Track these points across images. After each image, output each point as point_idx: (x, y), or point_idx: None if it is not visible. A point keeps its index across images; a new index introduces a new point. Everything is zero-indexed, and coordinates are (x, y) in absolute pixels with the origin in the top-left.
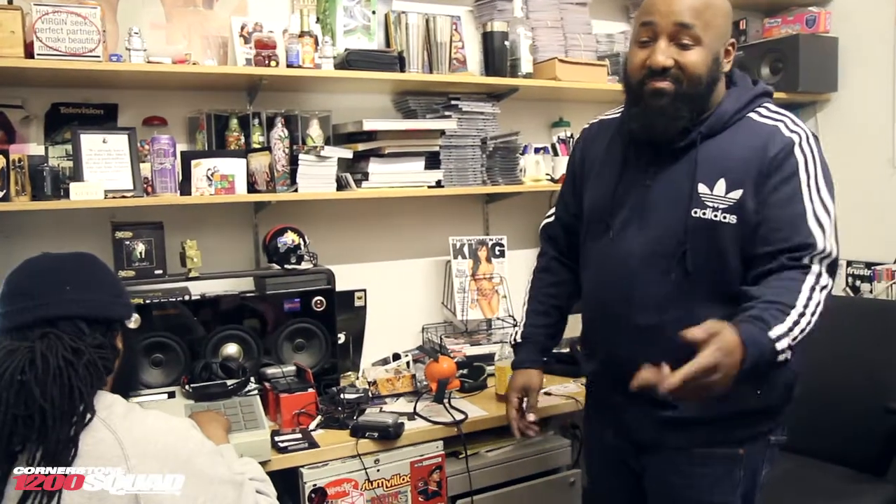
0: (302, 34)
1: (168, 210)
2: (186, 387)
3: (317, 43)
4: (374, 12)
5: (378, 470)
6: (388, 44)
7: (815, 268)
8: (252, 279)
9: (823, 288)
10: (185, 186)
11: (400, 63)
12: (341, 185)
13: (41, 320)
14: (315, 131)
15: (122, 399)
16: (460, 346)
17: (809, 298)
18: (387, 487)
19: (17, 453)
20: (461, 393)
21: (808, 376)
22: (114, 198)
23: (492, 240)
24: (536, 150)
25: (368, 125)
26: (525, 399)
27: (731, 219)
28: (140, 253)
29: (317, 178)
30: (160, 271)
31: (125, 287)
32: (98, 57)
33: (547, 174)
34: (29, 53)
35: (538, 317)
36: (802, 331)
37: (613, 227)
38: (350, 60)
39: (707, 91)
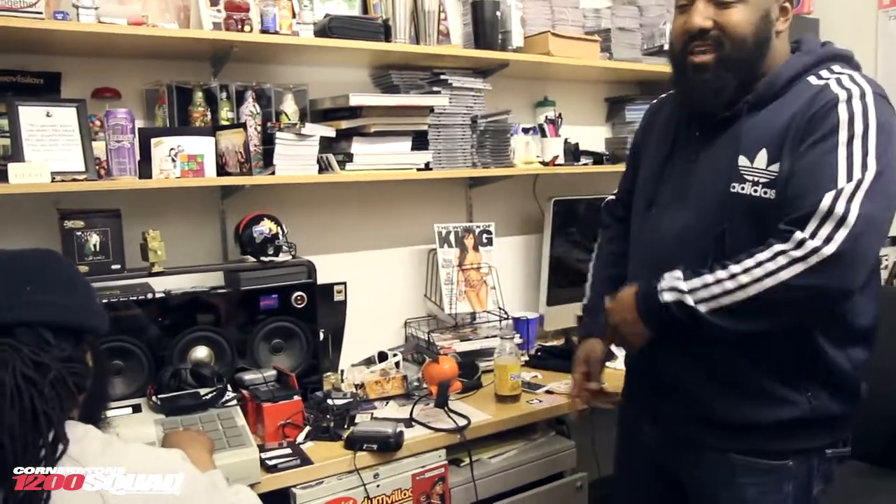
0: None
1: (125, 196)
2: (154, 398)
3: (294, 7)
4: None
5: (378, 486)
6: (365, 11)
7: (798, 235)
8: (222, 274)
9: (797, 260)
10: (144, 169)
11: (385, 32)
12: (322, 168)
13: None
14: (290, 107)
15: (96, 430)
16: (449, 343)
17: (759, 263)
18: None
19: None
20: (457, 394)
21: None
22: (63, 181)
23: (479, 227)
24: (525, 131)
25: (355, 100)
26: (588, 372)
27: (771, 194)
28: (94, 245)
29: (296, 160)
30: (118, 266)
31: (97, 294)
32: (40, 14)
33: (537, 156)
34: None
35: (601, 284)
36: (728, 292)
37: (657, 204)
38: (332, 27)
39: (756, 54)
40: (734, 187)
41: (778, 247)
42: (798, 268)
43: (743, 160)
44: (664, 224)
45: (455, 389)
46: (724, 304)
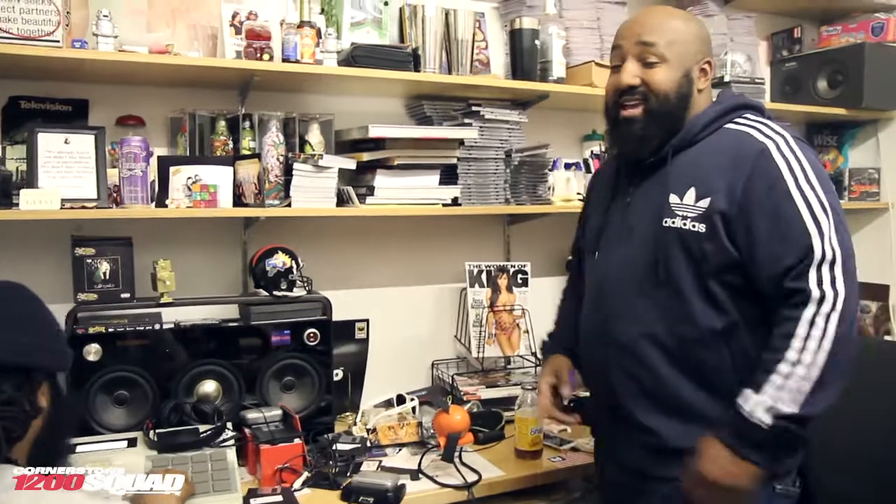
0: (301, 24)
1: (140, 224)
2: (151, 433)
3: (319, 36)
4: (386, 3)
5: None
6: (402, 40)
7: (815, 292)
8: (237, 306)
9: (830, 313)
10: (162, 197)
11: (414, 61)
12: (342, 200)
13: None
14: (315, 137)
15: (34, 471)
16: (475, 388)
17: (807, 337)
18: None
19: None
20: (475, 445)
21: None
22: (72, 208)
23: (513, 266)
24: (567, 166)
25: (375, 132)
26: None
27: (700, 227)
28: (104, 273)
29: (314, 192)
30: (127, 294)
31: (61, 331)
32: (57, 42)
33: (578, 193)
34: None
35: (566, 314)
36: (806, 378)
37: (601, 248)
38: (356, 56)
39: (678, 108)
40: (666, 222)
41: (807, 313)
42: (835, 318)
43: (673, 197)
44: (607, 262)
45: (466, 442)
46: (805, 390)
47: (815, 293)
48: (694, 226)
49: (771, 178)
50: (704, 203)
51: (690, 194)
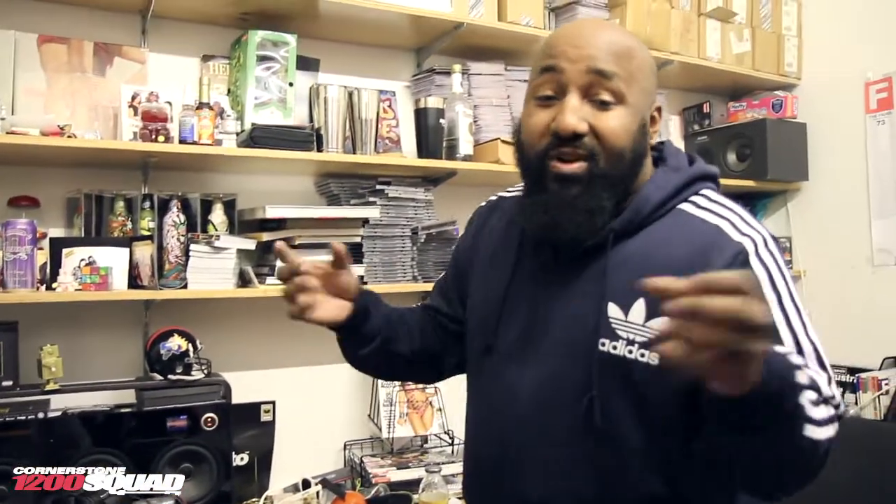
0: (200, 106)
1: (28, 308)
2: None
3: (220, 116)
4: (291, 84)
5: None
6: (311, 120)
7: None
8: (134, 391)
9: (835, 417)
10: (54, 279)
11: (317, 141)
12: (246, 281)
13: None
14: (218, 217)
15: None
16: (385, 470)
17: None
18: None
19: None
20: None
21: None
22: None
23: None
24: None
25: (272, 212)
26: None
27: (652, 358)
28: None
29: (211, 273)
30: (9, 382)
31: None
32: None
33: None
34: None
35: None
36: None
37: (497, 350)
38: (255, 137)
39: (630, 172)
40: (604, 344)
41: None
42: (833, 431)
43: (614, 310)
44: (510, 382)
45: None
46: (819, 420)
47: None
48: (642, 355)
49: None
50: (656, 323)
51: (639, 309)
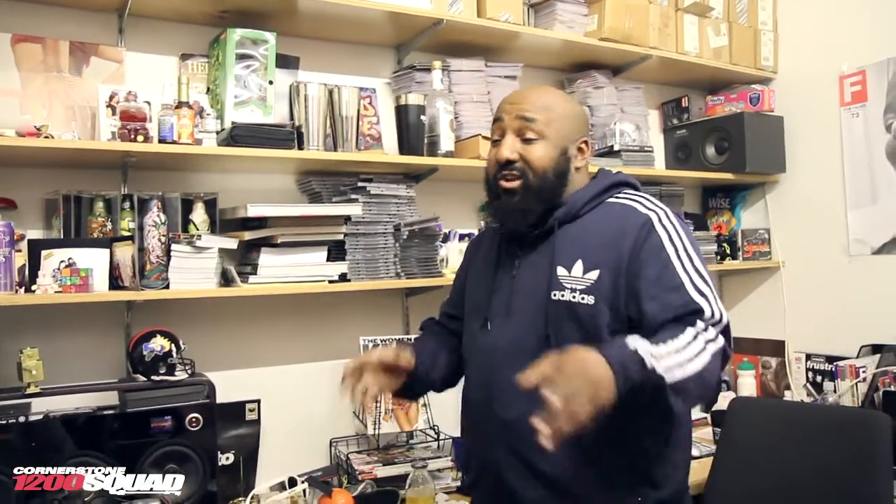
0: (179, 105)
1: (7, 311)
2: None
3: (199, 116)
4: (271, 82)
5: None
6: (292, 118)
7: (701, 324)
8: (117, 393)
9: (710, 341)
10: (33, 282)
11: (298, 139)
12: (228, 280)
13: None
14: (199, 217)
15: None
16: (371, 467)
17: (692, 342)
18: None
19: None
20: None
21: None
22: None
23: (410, 339)
24: (462, 237)
25: (253, 210)
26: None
27: (589, 299)
28: None
29: (193, 273)
30: None
31: None
32: None
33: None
34: None
35: (426, 344)
36: (680, 365)
37: (486, 323)
38: (235, 135)
39: (556, 184)
40: (554, 294)
41: (691, 329)
42: (714, 350)
43: (560, 270)
44: (494, 336)
45: None
46: (678, 377)
47: (700, 324)
48: (583, 298)
49: (655, 247)
50: (592, 275)
51: (578, 266)
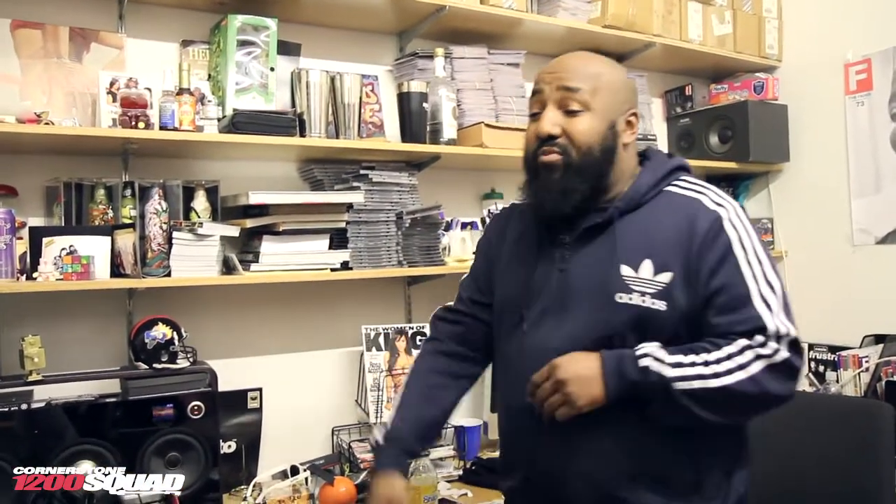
0: (180, 92)
1: (8, 298)
2: None
3: (200, 102)
4: (272, 69)
5: None
6: (294, 106)
7: (760, 338)
8: (119, 381)
9: (763, 356)
10: (35, 269)
11: (300, 126)
12: (230, 268)
13: None
14: (201, 204)
15: None
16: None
17: (730, 356)
18: None
19: None
20: None
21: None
22: None
23: (412, 328)
24: (464, 226)
25: (255, 198)
26: None
27: (661, 305)
28: None
29: (195, 260)
30: None
31: None
32: None
33: (474, 252)
34: None
35: (410, 409)
36: (701, 375)
37: (528, 319)
38: (236, 122)
39: (602, 162)
40: (621, 297)
41: (744, 341)
42: (765, 364)
43: (626, 269)
44: (541, 340)
45: None
46: (696, 387)
47: (759, 338)
48: (654, 303)
49: (723, 251)
50: (664, 277)
51: (646, 266)
